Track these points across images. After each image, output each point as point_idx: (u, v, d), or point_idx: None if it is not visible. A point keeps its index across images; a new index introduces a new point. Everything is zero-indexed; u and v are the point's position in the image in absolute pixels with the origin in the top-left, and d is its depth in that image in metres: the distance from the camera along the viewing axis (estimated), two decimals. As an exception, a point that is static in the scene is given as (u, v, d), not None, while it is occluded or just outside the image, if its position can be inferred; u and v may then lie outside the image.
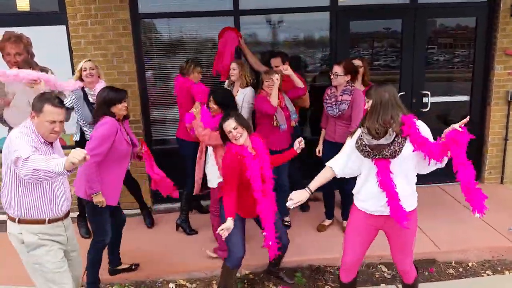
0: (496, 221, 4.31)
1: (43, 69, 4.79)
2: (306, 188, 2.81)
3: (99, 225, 3.37)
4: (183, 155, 4.37)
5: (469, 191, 2.55)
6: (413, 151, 2.60)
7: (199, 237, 4.38)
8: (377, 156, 2.62)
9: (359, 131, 2.74)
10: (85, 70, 4.07)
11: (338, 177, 2.89)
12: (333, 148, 4.05)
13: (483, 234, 4.25)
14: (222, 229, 2.95)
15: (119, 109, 3.29)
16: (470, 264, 3.96)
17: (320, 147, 4.25)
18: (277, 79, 3.96)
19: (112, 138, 3.19)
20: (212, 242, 4.09)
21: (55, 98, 2.62)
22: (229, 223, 2.99)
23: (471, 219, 4.46)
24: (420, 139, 2.57)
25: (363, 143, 2.67)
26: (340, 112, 3.94)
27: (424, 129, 2.64)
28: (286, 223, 4.47)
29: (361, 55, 4.53)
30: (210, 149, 3.78)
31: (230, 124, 3.08)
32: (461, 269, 3.91)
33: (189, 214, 4.54)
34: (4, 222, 2.77)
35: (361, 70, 4.26)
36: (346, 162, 2.82)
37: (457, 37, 5.47)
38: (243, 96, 4.19)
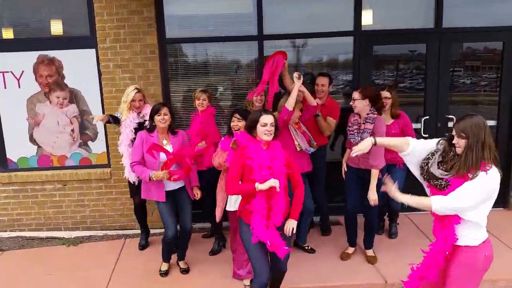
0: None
1: (72, 91, 4.99)
2: (372, 138, 2.84)
3: (161, 218, 3.98)
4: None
5: None
6: None
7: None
8: (430, 182, 2.62)
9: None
10: (134, 101, 4.26)
11: (406, 153, 2.74)
12: (357, 174, 4.05)
13: (513, 264, 4.10)
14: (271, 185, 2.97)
15: (157, 120, 3.76)
16: (499, 296, 3.83)
17: (344, 167, 4.26)
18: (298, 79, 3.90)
19: (140, 148, 3.78)
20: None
21: None
22: (261, 185, 2.99)
23: (499, 247, 4.38)
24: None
25: (430, 171, 2.62)
26: (362, 140, 3.90)
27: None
28: (308, 248, 4.44)
29: (390, 85, 4.48)
30: None
31: (270, 119, 3.12)
32: (489, 301, 3.78)
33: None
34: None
35: (389, 101, 4.25)
36: (419, 149, 2.72)
37: (484, 60, 5.38)
38: None
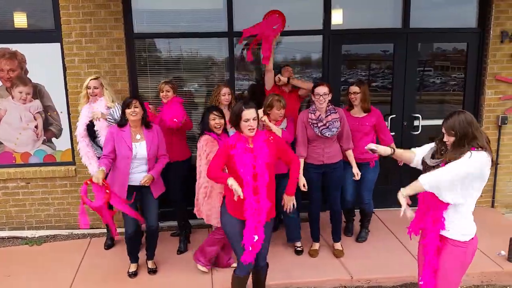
0: (485, 245, 4.23)
1: (36, 86, 4.83)
2: (391, 146, 3.03)
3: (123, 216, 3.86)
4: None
5: None
6: None
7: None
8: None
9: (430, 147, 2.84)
10: (89, 88, 4.15)
11: (413, 164, 2.93)
12: (319, 171, 4.09)
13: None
14: (235, 189, 2.87)
15: (128, 113, 3.70)
16: (459, 290, 3.93)
17: (304, 181, 3.97)
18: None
19: (111, 143, 3.71)
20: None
21: None
22: (232, 181, 2.92)
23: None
24: None
25: (425, 161, 2.79)
26: (338, 130, 3.98)
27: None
28: (298, 248, 4.37)
29: (358, 80, 4.56)
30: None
31: (252, 113, 3.00)
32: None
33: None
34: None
35: (358, 96, 4.30)
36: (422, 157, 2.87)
37: (450, 60, 5.50)
38: None
